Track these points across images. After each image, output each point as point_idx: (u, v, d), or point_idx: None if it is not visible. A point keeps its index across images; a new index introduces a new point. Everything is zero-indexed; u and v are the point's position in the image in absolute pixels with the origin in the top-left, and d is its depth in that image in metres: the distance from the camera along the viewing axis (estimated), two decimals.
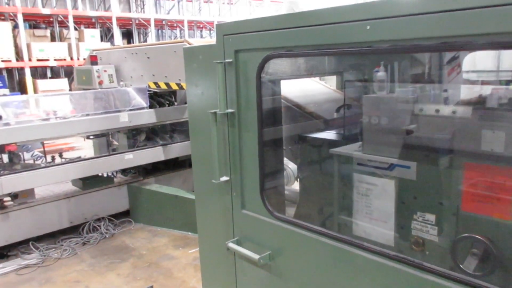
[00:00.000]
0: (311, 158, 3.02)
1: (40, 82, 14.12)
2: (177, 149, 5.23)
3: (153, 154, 5.01)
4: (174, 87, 4.49)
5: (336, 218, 2.66)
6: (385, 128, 2.39)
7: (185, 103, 5.67)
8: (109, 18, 15.49)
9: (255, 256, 2.18)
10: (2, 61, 13.07)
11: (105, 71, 5.06)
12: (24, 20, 14.06)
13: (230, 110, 2.33)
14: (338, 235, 1.87)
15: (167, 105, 5.22)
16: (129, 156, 4.74)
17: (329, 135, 2.94)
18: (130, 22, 17.49)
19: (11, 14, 13.76)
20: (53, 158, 4.65)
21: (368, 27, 1.55)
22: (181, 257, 4.21)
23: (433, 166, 2.21)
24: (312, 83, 3.65)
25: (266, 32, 2.05)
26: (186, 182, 5.71)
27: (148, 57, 4.74)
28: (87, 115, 4.63)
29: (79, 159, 4.53)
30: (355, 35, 1.60)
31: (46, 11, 14.53)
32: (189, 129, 2.87)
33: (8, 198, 4.19)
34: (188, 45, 3.60)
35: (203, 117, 2.62)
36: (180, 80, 4.37)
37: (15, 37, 13.70)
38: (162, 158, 5.10)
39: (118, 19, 15.69)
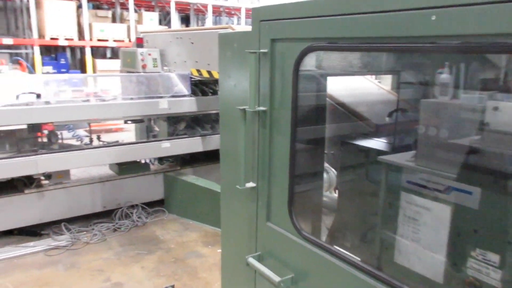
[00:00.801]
0: (353, 168, 2.66)
1: (99, 62, 14.54)
2: (216, 141, 5.01)
3: (191, 144, 4.83)
4: (216, 76, 4.25)
5: (376, 241, 2.30)
6: (445, 141, 1.98)
7: None
8: (168, 2, 15.61)
9: (276, 279, 1.89)
10: (66, 39, 13.56)
11: (149, 54, 4.93)
12: (88, 1, 14.49)
13: (261, 108, 2.04)
14: (375, 271, 1.54)
15: (210, 94, 5.01)
16: (166, 144, 4.59)
17: (377, 143, 2.56)
18: (189, 7, 17.56)
19: None
20: (91, 140, 4.61)
21: (434, 18, 1.19)
22: (209, 255, 4.02)
23: (502, 195, 1.80)
24: (363, 82, 3.26)
25: (307, 20, 1.72)
26: None
27: (192, 43, 4.53)
28: (131, 99, 4.52)
29: (115, 144, 4.45)
30: (416, 28, 1.24)
31: None
32: (220, 124, 2.63)
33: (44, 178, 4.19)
34: (232, 31, 3.29)
35: (234, 113, 2.35)
36: None
37: (78, 17, 14.16)
38: (200, 149, 4.91)
39: (176, 3, 15.78)
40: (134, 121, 4.57)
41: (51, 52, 15.95)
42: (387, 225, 2.25)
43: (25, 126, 3.76)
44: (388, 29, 1.34)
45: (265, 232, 2.13)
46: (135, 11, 15.27)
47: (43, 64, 13.79)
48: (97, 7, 15.94)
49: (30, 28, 13.30)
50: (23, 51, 14.55)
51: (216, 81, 5.20)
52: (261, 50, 1.99)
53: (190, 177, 4.94)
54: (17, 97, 3.68)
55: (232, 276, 2.61)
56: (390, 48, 1.68)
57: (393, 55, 2.51)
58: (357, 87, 3.20)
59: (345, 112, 2.82)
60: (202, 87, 5.16)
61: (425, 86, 2.39)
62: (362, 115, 2.76)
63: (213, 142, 5.01)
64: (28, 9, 12.92)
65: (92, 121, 4.40)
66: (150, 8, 17.37)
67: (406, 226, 2.03)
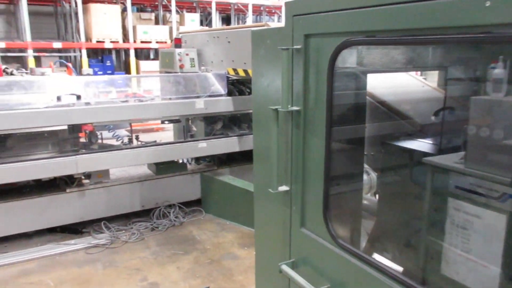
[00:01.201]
0: (395, 170, 2.49)
1: (143, 63, 14.93)
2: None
3: (228, 144, 4.78)
4: (251, 72, 4.17)
5: (420, 251, 2.13)
6: (499, 142, 1.80)
7: None
8: (209, 3, 15.77)
9: None
10: (111, 41, 14.01)
11: (187, 54, 4.93)
12: (132, 4, 14.88)
13: (294, 108, 1.93)
14: (420, 286, 1.40)
15: (247, 94, 4.94)
16: (202, 144, 4.57)
17: (422, 144, 2.38)
18: (229, 7, 17.66)
19: None
20: (130, 141, 4.67)
21: (488, 3, 1.04)
22: (245, 257, 3.95)
23: None
24: (407, 78, 3.07)
25: (343, 12, 1.60)
26: None
27: (229, 42, 4.48)
28: (168, 99, 4.54)
29: (152, 144, 4.47)
30: (467, 16, 1.10)
31: None
32: (253, 124, 2.56)
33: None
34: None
35: (267, 112, 2.26)
36: None
37: (123, 20, 14.59)
38: (236, 149, 4.86)
39: (217, 3, 15.91)
40: (170, 121, 4.59)
41: (98, 55, 16.56)
42: (432, 233, 2.09)
43: (65, 127, 3.86)
44: (435, 19, 1.20)
45: (299, 239, 2.03)
46: (177, 12, 15.54)
47: (90, 66, 14.32)
48: (141, 10, 16.36)
49: (78, 32, 13.84)
50: (71, 54, 15.17)
51: None
52: (294, 47, 1.88)
53: (227, 177, 4.89)
54: (58, 98, 3.78)
55: (266, 281, 2.52)
56: (437, 41, 1.52)
57: (440, 49, 2.32)
58: (400, 84, 3.01)
59: (387, 111, 2.64)
60: (240, 86, 5.11)
61: (476, 82, 2.19)
62: (406, 114, 2.58)
63: (250, 142, 4.94)
64: (76, 13, 13.44)
65: (130, 121, 4.45)
66: (191, 10, 17.63)
67: (455, 234, 1.86)
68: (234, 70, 4.47)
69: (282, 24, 2.04)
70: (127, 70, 15.36)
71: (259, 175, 2.52)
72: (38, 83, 3.90)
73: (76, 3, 13.32)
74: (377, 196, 2.51)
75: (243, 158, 5.27)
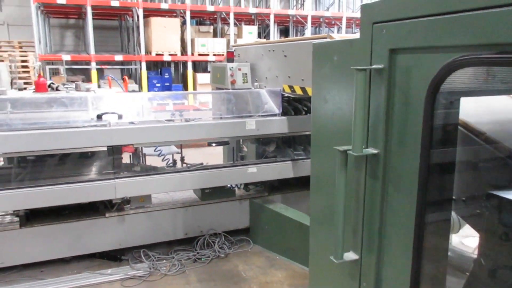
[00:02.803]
0: (502, 230, 1.86)
1: (200, 76, 14.92)
2: (309, 167, 4.40)
3: (281, 169, 4.29)
4: (311, 93, 3.66)
5: None
6: None
7: None
8: (267, 15, 15.53)
9: None
10: (169, 54, 14.14)
11: (239, 69, 4.52)
12: (192, 17, 15.00)
13: (371, 151, 1.40)
14: None
15: (303, 113, 4.43)
16: (252, 169, 4.12)
17: None
18: (288, 19, 17.34)
19: (181, 11, 14.80)
20: (174, 162, 4.32)
21: None
22: None
23: None
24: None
25: (456, 17, 1.07)
26: None
27: (285, 55, 4.01)
28: (219, 118, 4.14)
29: (198, 167, 4.08)
30: None
31: (211, 8, 15.26)
32: (311, 151, 2.09)
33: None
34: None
35: (328, 143, 1.77)
36: None
37: (182, 33, 14.71)
38: (290, 175, 4.35)
39: (276, 15, 15.63)
40: (218, 143, 4.18)
41: (157, 67, 16.86)
42: None
43: (105, 148, 3.57)
44: None
45: None
46: (235, 25, 15.44)
47: (149, 78, 14.55)
48: (199, 23, 16.48)
49: (139, 45, 14.12)
50: (132, 66, 15.54)
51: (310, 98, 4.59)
52: (374, 66, 1.35)
53: (279, 205, 4.39)
54: (99, 117, 3.50)
55: None
56: None
57: None
58: (504, 110, 2.36)
59: (488, 146, 2.01)
60: (295, 104, 4.61)
61: None
62: None
63: (305, 167, 4.41)
64: (138, 27, 13.72)
65: (174, 143, 4.11)
66: (250, 22, 17.50)
67: None
68: (290, 87, 3.98)
69: (346, 35, 1.55)
70: (185, 83, 15.44)
71: (316, 222, 2.02)
72: (80, 100, 3.66)
73: (138, 17, 13.60)
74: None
75: (297, 183, 4.75)
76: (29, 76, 13.58)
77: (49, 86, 4.27)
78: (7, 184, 3.46)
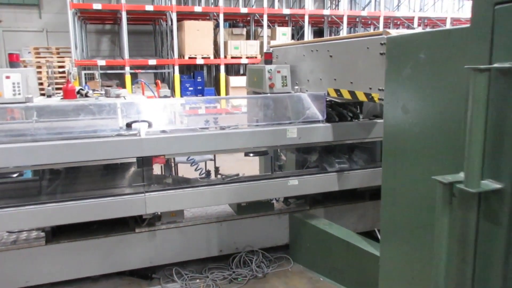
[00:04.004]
0: None
1: (232, 79, 14.69)
2: (356, 178, 3.99)
3: (324, 182, 3.89)
4: (362, 98, 3.25)
5: None
6: None
7: (374, 116, 4.35)
8: (302, 16, 15.13)
9: None
10: (202, 57, 13.99)
11: (278, 72, 4.16)
12: (225, 20, 14.80)
13: (492, 185, 1.00)
14: None
15: (349, 119, 4.01)
16: (293, 182, 3.74)
17: None
18: (322, 20, 16.88)
19: (215, 14, 14.64)
20: (208, 174, 4.00)
21: None
22: None
23: None
24: None
25: None
26: (364, 218, 4.42)
27: (331, 56, 3.61)
28: (255, 126, 3.79)
29: (234, 179, 3.73)
30: None
31: (244, 10, 15.03)
32: (383, 165, 1.73)
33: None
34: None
35: (409, 160, 1.37)
36: (371, 88, 3.10)
37: (215, 36, 14.53)
38: (335, 188, 3.94)
39: (310, 16, 15.19)
40: (256, 153, 3.83)
41: (190, 71, 16.78)
42: None
43: (134, 159, 3.29)
44: None
45: None
46: (269, 26, 15.12)
47: (182, 82, 14.45)
48: (233, 25, 16.27)
49: (172, 49, 14.05)
50: (165, 70, 15.51)
51: (358, 102, 4.17)
52: (498, 65, 0.95)
53: (322, 221, 3.98)
54: (128, 125, 3.23)
55: None
56: None
57: None
58: None
59: None
60: (339, 109, 4.18)
61: None
62: None
63: (351, 179, 3.99)
64: (172, 31, 13.65)
65: (209, 153, 3.79)
66: (283, 23, 17.16)
67: None
68: (337, 91, 3.58)
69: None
70: (217, 86, 15.25)
71: (389, 245, 1.63)
72: (109, 107, 3.41)
73: (172, 21, 13.53)
74: None
75: (341, 196, 4.33)
76: (65, 82, 13.74)
77: (78, 92, 4.06)
78: (32, 198, 3.25)
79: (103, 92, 4.30)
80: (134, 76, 13.84)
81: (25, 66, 13.49)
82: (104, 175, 3.59)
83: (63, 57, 14.37)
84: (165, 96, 3.85)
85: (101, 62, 13.21)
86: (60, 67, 13.86)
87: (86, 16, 15.40)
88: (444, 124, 1.17)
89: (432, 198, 1.33)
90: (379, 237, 4.51)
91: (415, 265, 1.59)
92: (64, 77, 13.95)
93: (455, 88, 1.12)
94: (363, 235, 4.37)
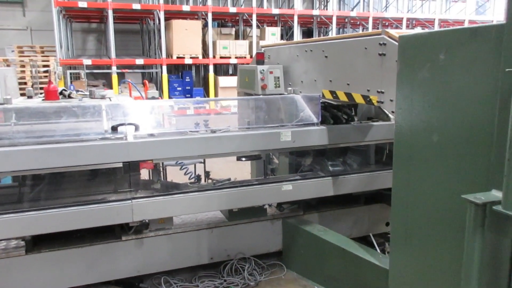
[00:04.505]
0: None
1: (221, 79, 14.53)
2: (352, 183, 3.87)
3: (319, 187, 3.76)
4: (359, 100, 3.13)
5: None
6: None
7: (369, 118, 4.23)
8: (291, 16, 15.05)
9: None
10: (191, 57, 13.79)
11: (271, 72, 4.03)
12: (213, 19, 14.63)
13: None
14: None
15: (343, 121, 3.89)
16: (287, 187, 3.60)
17: None
18: (312, 20, 16.84)
19: (203, 13, 14.46)
20: (198, 178, 3.84)
21: None
22: None
23: None
24: None
25: None
26: (358, 223, 4.31)
27: (326, 56, 3.49)
28: (246, 128, 3.64)
29: (226, 185, 3.58)
30: None
31: (233, 9, 14.89)
32: (394, 168, 1.61)
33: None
34: (389, 39, 2.16)
35: (425, 166, 1.22)
36: (369, 90, 2.99)
37: (203, 35, 14.34)
38: (330, 193, 3.82)
39: (299, 16, 15.11)
40: (249, 157, 3.68)
41: (178, 70, 16.54)
42: None
43: (120, 164, 3.12)
44: None
45: None
46: (258, 27, 14.99)
47: (170, 82, 14.23)
48: (221, 25, 16.11)
49: (160, 48, 13.83)
50: (153, 70, 15.27)
51: (353, 104, 4.05)
52: None
53: (316, 227, 3.86)
54: (113, 128, 3.06)
55: None
56: None
57: None
58: None
59: None
60: (334, 111, 4.06)
61: None
62: None
63: (347, 184, 3.88)
64: (159, 30, 13.43)
65: (199, 158, 3.63)
66: (272, 23, 17.06)
67: None
68: (332, 92, 3.46)
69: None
70: (206, 86, 15.08)
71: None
72: (93, 109, 3.24)
73: (159, 19, 13.31)
74: None
75: (336, 200, 4.21)
76: (50, 81, 13.44)
77: (61, 93, 3.87)
78: (11, 206, 3.05)
79: (87, 93, 4.11)
80: (121, 76, 13.59)
81: (8, 65, 13.14)
82: (88, 181, 3.41)
83: (47, 56, 14.03)
84: (153, 98, 3.68)
85: (87, 62, 12.94)
86: (44, 66, 13.53)
87: (72, 15, 15.07)
88: (471, 133, 1.04)
89: (452, 212, 1.22)
90: (374, 243, 4.44)
91: (430, 280, 1.46)
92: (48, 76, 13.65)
93: (486, 94, 0.98)
94: (358, 240, 4.26)
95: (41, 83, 13.03)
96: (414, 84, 1.28)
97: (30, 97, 3.71)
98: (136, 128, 3.13)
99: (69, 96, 3.89)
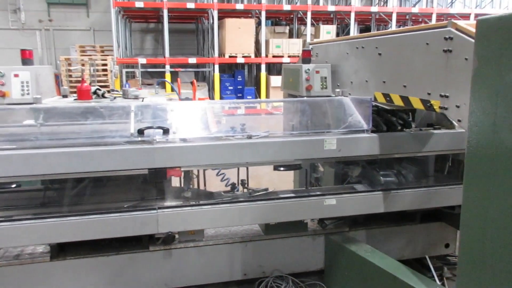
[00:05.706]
0: None
1: (273, 78, 14.22)
2: (406, 199, 3.39)
3: (367, 203, 3.32)
4: (418, 105, 2.67)
5: None
6: None
7: (429, 125, 3.70)
8: (348, 13, 14.41)
9: None
10: (243, 56, 13.61)
11: (317, 72, 3.64)
12: (267, 17, 14.34)
13: None
14: None
15: (399, 128, 3.41)
16: (330, 201, 3.20)
17: None
18: (370, 17, 16.02)
19: (257, 11, 14.22)
20: (233, 186, 3.53)
21: None
22: None
23: None
24: None
25: None
26: (413, 243, 3.81)
27: (380, 54, 3.04)
28: (290, 134, 3.28)
29: (262, 197, 3.25)
30: None
31: (287, 7, 14.54)
32: (465, 184, 1.19)
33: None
34: (457, 32, 1.71)
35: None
36: (429, 94, 2.52)
37: (257, 34, 14.11)
38: (380, 209, 3.37)
39: (356, 13, 14.44)
40: (287, 167, 3.32)
41: (231, 69, 16.46)
42: None
43: (146, 171, 2.89)
44: None
45: None
46: (312, 24, 14.52)
47: (221, 81, 14.15)
48: (275, 23, 15.79)
49: (213, 47, 13.79)
50: (206, 69, 15.28)
51: (410, 109, 3.55)
52: None
53: (363, 246, 3.42)
54: (140, 132, 2.83)
55: None
56: None
57: None
58: None
59: None
60: (388, 116, 3.58)
61: None
62: None
63: (399, 200, 3.40)
64: (213, 29, 13.39)
65: (232, 166, 3.32)
66: (328, 21, 16.46)
67: None
68: (386, 96, 3.01)
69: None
70: (258, 85, 14.84)
71: None
72: (122, 110, 3.04)
73: (213, 18, 13.26)
74: None
75: (387, 216, 3.73)
76: (107, 80, 13.88)
77: (95, 92, 3.74)
78: (35, 211, 2.93)
79: (121, 93, 3.96)
80: (174, 75, 13.69)
81: (69, 64, 13.73)
82: (115, 186, 3.22)
83: (107, 56, 14.49)
84: (186, 98, 3.43)
85: (142, 60, 13.14)
86: (103, 65, 13.99)
87: (130, 15, 15.45)
88: None
89: None
90: (431, 266, 3.90)
91: None
92: (107, 74, 14.07)
93: None
94: (412, 262, 3.77)
95: (99, 81, 13.49)
96: (498, 87, 0.89)
97: (65, 96, 3.61)
98: (165, 131, 2.88)
99: (103, 96, 3.74)
